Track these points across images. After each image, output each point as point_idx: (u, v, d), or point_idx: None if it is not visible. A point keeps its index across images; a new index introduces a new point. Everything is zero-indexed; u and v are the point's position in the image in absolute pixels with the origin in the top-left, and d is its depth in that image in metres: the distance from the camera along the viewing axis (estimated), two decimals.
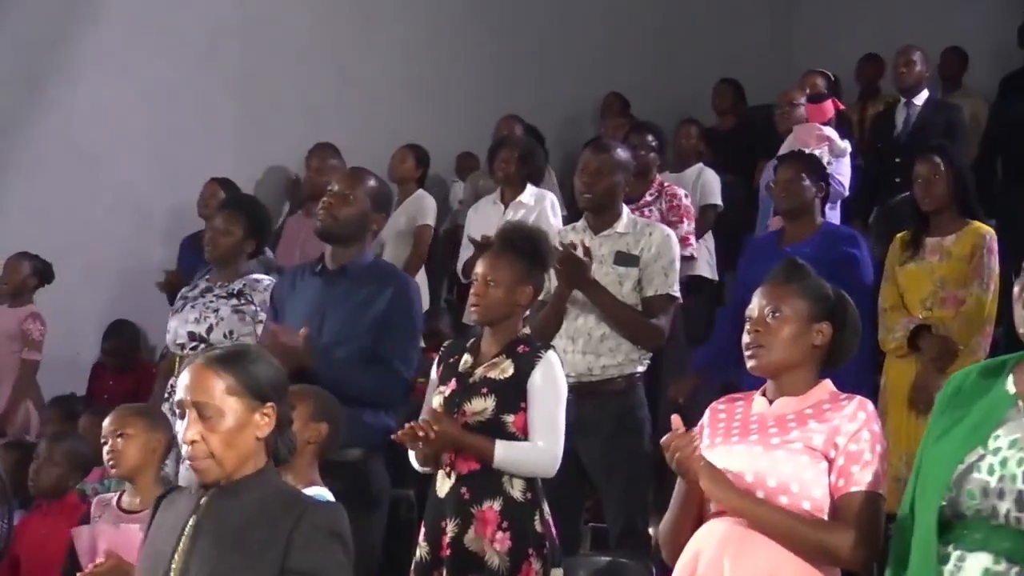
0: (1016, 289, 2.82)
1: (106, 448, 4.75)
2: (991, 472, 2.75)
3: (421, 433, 4.36)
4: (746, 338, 3.52)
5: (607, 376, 5.51)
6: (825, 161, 7.58)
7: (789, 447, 3.37)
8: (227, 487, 3.05)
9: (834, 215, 8.20)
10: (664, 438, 3.43)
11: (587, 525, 6.09)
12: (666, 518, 3.55)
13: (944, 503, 2.81)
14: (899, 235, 6.14)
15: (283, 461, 3.11)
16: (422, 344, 8.29)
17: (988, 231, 5.94)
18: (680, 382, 6.28)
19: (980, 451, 2.79)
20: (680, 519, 3.49)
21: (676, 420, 3.43)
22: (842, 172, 7.97)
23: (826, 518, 3.33)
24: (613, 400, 5.50)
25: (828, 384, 3.52)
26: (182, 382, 3.05)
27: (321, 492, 4.34)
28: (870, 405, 3.44)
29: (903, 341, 5.86)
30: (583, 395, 5.38)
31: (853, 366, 3.71)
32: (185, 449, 3.01)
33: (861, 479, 3.34)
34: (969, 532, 2.78)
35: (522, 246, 4.64)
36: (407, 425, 4.41)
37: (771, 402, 3.52)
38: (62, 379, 8.20)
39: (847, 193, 8.12)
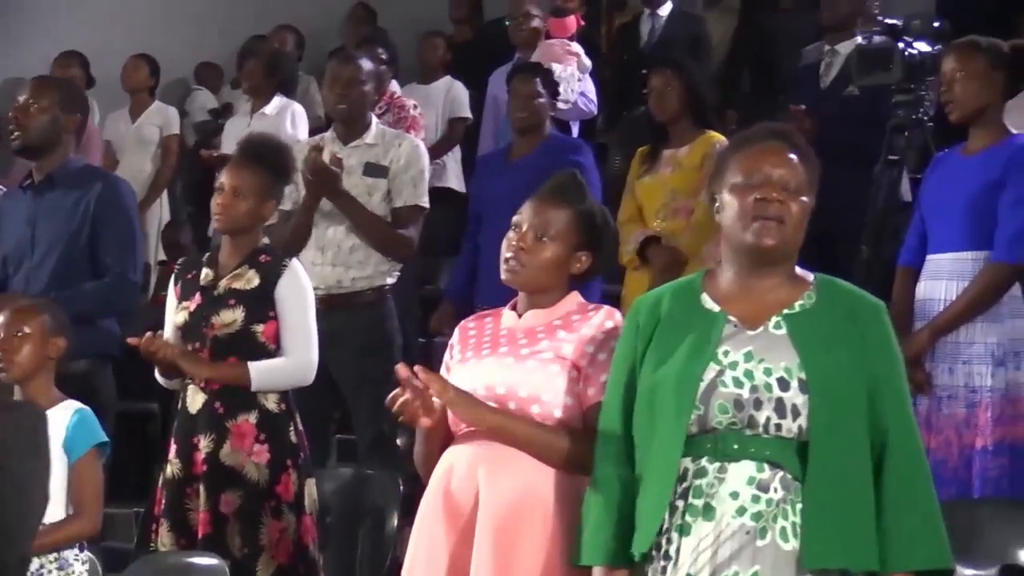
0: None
1: None
2: (739, 385, 2.83)
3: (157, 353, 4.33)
4: (507, 250, 3.46)
5: (356, 288, 5.54)
6: (576, 78, 7.69)
7: (539, 356, 3.36)
8: None
9: (573, 133, 8.23)
10: (390, 396, 3.28)
11: (335, 437, 6.07)
12: (416, 448, 3.51)
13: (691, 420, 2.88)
14: (640, 149, 6.20)
15: None
16: (163, 257, 8.21)
17: (719, 139, 5.91)
18: (440, 314, 6.38)
19: (716, 368, 2.87)
20: (429, 447, 3.45)
21: (402, 370, 3.30)
22: (588, 90, 7.97)
23: (578, 426, 3.32)
24: (363, 312, 5.54)
25: (576, 296, 3.52)
26: None
27: (75, 405, 4.29)
28: (617, 315, 3.44)
29: (634, 254, 5.89)
30: (333, 308, 5.41)
31: None
32: None
33: None
34: (721, 444, 2.85)
35: (266, 158, 4.62)
36: (145, 336, 4.35)
37: (520, 316, 3.51)
38: None
39: (596, 112, 8.13)
